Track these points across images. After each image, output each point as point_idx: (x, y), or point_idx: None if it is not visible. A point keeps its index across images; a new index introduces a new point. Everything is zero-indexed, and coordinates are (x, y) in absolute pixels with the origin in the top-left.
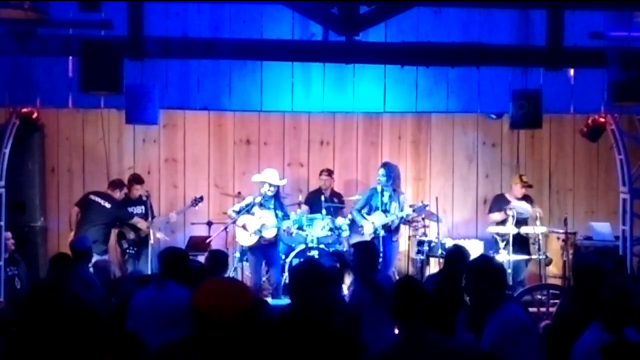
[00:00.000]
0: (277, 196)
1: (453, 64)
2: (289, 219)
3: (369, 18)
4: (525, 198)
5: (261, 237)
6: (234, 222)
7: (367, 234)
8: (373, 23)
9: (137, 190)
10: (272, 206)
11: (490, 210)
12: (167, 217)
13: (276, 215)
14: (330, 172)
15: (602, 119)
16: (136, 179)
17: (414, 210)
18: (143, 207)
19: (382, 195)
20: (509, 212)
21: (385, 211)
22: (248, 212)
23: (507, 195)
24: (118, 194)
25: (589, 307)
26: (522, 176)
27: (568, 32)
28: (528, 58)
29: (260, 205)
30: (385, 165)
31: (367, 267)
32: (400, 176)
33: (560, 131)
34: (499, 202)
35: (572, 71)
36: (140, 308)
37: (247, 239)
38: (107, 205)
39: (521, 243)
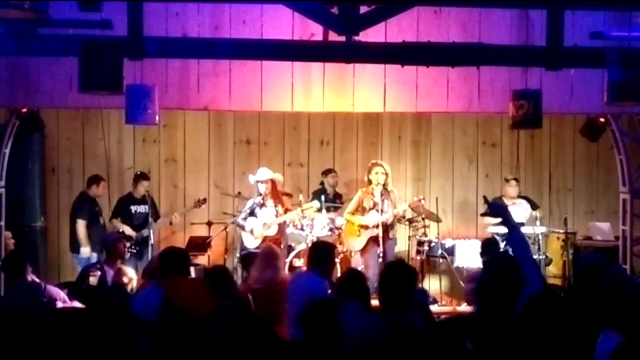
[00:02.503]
0: (274, 193)
1: (453, 64)
2: (290, 212)
3: (369, 18)
4: (526, 200)
5: (266, 237)
6: (243, 228)
7: (365, 233)
8: (373, 23)
9: (143, 187)
10: (271, 204)
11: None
12: (170, 218)
13: (277, 212)
14: (336, 171)
15: (602, 119)
16: (143, 176)
17: (409, 205)
18: (146, 207)
19: (374, 196)
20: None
21: (380, 210)
22: (252, 215)
23: (505, 199)
24: (93, 190)
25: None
26: (506, 176)
27: (568, 32)
28: (528, 58)
29: (260, 205)
30: (380, 164)
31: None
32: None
33: (560, 131)
34: None
35: (572, 71)
36: (142, 307)
37: (252, 242)
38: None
39: None
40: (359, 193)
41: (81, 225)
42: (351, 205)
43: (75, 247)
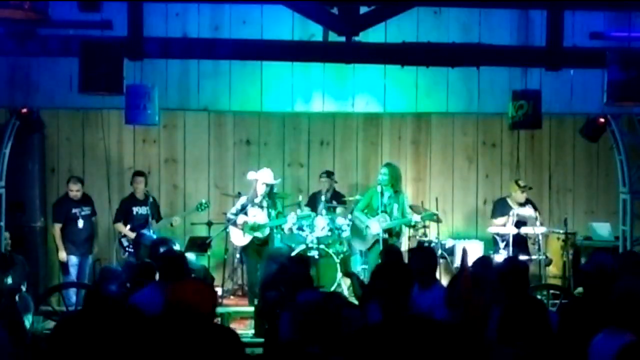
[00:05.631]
0: (271, 195)
1: (453, 64)
2: (284, 217)
3: (369, 18)
4: (527, 202)
5: (254, 236)
6: (234, 224)
7: (372, 234)
8: (373, 23)
9: (141, 186)
10: (265, 205)
11: (494, 215)
12: (170, 220)
13: (269, 214)
14: (329, 174)
15: (602, 119)
16: (136, 173)
17: (422, 218)
18: (147, 208)
19: (382, 196)
20: (519, 213)
21: (385, 212)
22: (244, 213)
23: (509, 200)
24: (73, 192)
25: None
26: (519, 181)
27: (568, 32)
28: (528, 58)
29: (254, 204)
30: (388, 165)
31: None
32: (401, 177)
33: (560, 131)
34: (502, 207)
35: (572, 71)
36: (141, 306)
37: (240, 239)
38: None
39: (520, 243)
40: (371, 191)
41: (56, 228)
42: (362, 203)
43: (57, 251)
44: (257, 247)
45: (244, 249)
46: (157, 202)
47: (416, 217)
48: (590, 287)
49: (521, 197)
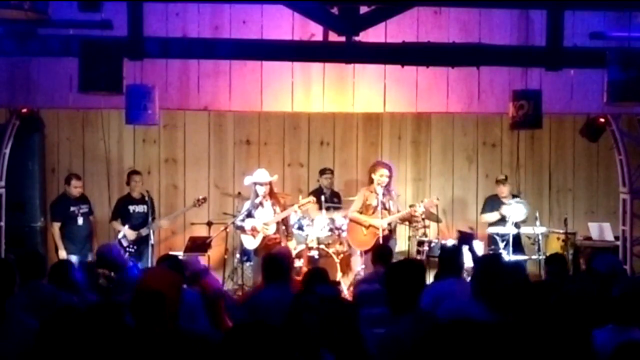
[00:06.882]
0: (271, 193)
1: (453, 64)
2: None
3: (369, 18)
4: (514, 197)
5: (265, 236)
6: (243, 230)
7: (375, 234)
8: (373, 23)
9: (137, 184)
10: (269, 203)
11: (483, 211)
12: (159, 222)
13: (274, 211)
14: (332, 171)
15: (602, 119)
16: (132, 172)
17: (423, 206)
18: (145, 207)
19: (378, 195)
20: (504, 212)
21: (385, 209)
22: (250, 216)
23: (499, 195)
24: (67, 189)
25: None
26: (498, 178)
27: (568, 32)
28: (528, 58)
29: (256, 206)
30: (386, 165)
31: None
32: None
33: (560, 131)
34: (492, 203)
35: (572, 71)
36: None
37: (252, 243)
38: None
39: (516, 243)
40: (363, 191)
41: (55, 227)
42: (357, 204)
43: (56, 250)
44: (269, 249)
45: (254, 251)
46: (153, 202)
47: (420, 207)
48: (599, 286)
49: (504, 190)
